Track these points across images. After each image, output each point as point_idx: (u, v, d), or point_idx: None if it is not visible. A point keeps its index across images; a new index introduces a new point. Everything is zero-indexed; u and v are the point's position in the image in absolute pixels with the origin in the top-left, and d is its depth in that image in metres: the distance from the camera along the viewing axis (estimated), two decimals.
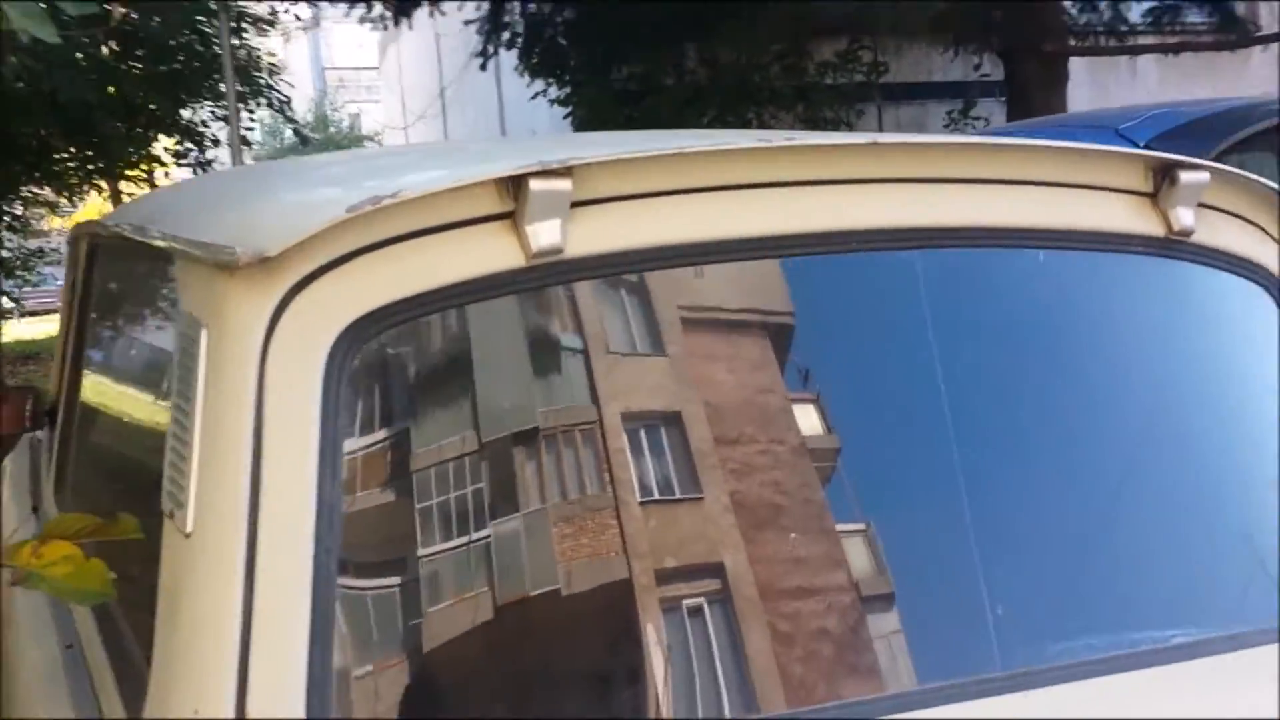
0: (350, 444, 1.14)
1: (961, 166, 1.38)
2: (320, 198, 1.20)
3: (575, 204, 1.20)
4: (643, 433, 1.22)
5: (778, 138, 1.28)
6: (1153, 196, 1.46)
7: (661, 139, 1.28)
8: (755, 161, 1.27)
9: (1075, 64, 8.20)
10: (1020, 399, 1.41)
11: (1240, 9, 9.42)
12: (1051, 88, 7.71)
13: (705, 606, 1.17)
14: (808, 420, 1.29)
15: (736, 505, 1.20)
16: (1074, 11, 8.76)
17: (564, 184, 1.17)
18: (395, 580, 1.16)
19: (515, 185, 1.18)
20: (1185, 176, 1.42)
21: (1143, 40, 9.06)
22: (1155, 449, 1.46)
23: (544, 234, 1.18)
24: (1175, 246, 1.47)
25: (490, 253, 1.19)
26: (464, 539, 1.16)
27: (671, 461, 1.21)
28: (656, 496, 1.20)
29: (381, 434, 1.18)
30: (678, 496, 1.21)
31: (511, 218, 1.19)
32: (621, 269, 1.24)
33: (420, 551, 1.15)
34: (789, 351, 1.32)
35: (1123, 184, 1.44)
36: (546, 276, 1.21)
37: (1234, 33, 8.69)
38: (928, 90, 10.19)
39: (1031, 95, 7.60)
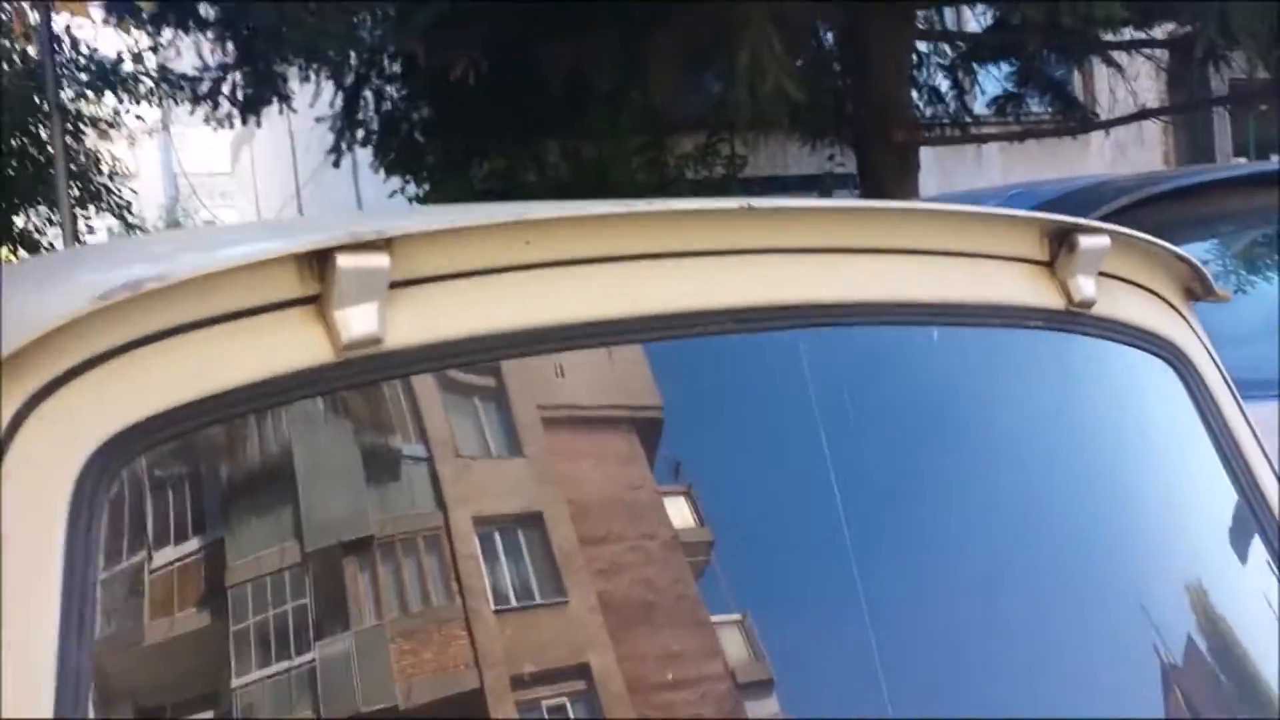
0: (122, 581, 0.92)
1: (844, 234, 1.22)
2: (82, 284, 0.97)
3: (395, 284, 1.00)
4: (498, 537, 1.07)
5: (637, 204, 1.10)
6: (1049, 265, 1.33)
7: (503, 209, 1.09)
8: (610, 231, 1.09)
9: (923, 153, 8.41)
10: (915, 485, 1.28)
11: (1079, 96, 9.89)
12: (903, 176, 7.87)
13: (568, 706, 1.03)
14: (681, 515, 1.15)
15: (605, 606, 1.07)
16: (921, 104, 9.04)
17: (379, 260, 0.97)
18: None
19: (320, 263, 0.98)
20: (1085, 242, 1.30)
21: (988, 129, 9.40)
22: (1058, 536, 1.34)
23: (357, 321, 0.98)
24: (1076, 320, 1.35)
25: (292, 345, 0.97)
26: (280, 667, 0.97)
27: (531, 565, 1.07)
28: (514, 604, 1.05)
29: (158, 567, 0.94)
30: (539, 601, 1.06)
31: (317, 302, 0.98)
32: (454, 361, 1.04)
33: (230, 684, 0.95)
34: (659, 445, 1.17)
35: (1017, 251, 1.31)
36: (362, 372, 0.99)
37: (1075, 119, 9.07)
38: (785, 183, 10.36)
39: (884, 184, 7.73)
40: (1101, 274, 1.34)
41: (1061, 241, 1.31)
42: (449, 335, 1.02)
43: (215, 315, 0.95)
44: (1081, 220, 1.31)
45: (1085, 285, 1.32)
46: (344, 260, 0.95)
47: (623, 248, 1.09)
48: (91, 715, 0.87)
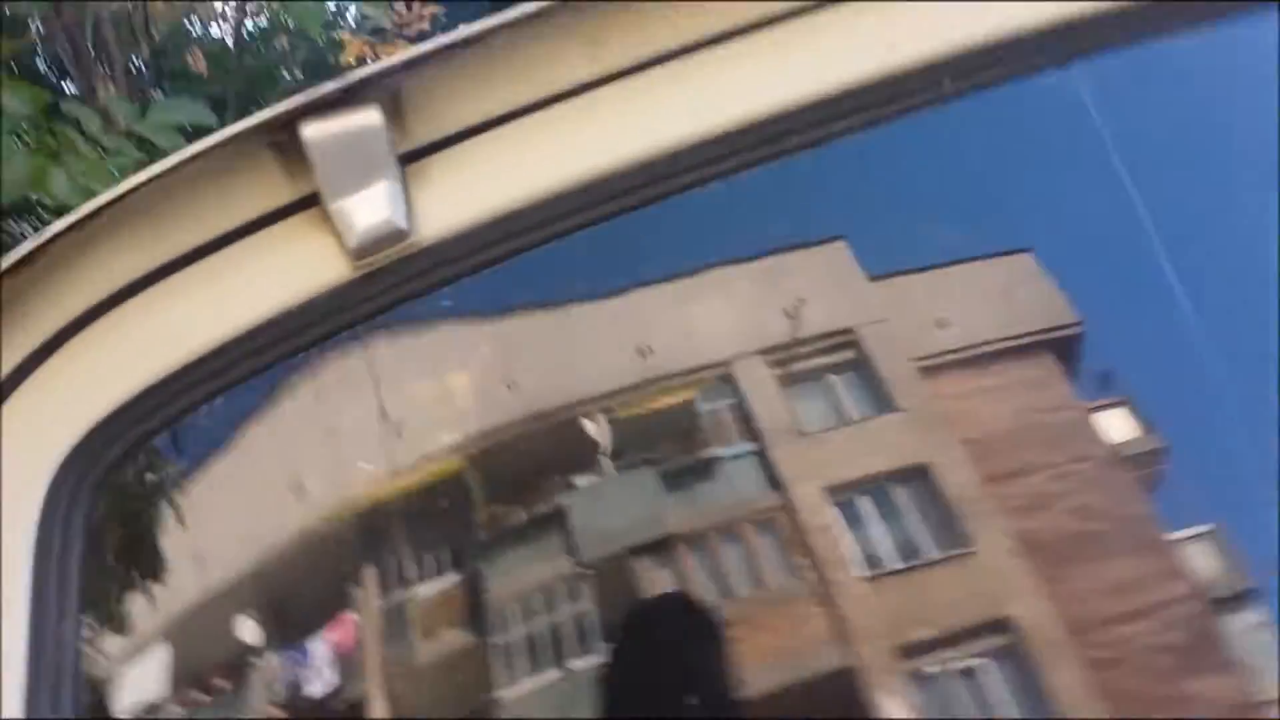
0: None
1: None
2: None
3: (413, 154, 0.65)
4: (865, 501, 0.80)
5: None
6: None
7: None
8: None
9: None
10: None
11: None
12: None
13: (991, 667, 0.75)
14: (1116, 425, 0.80)
15: (1026, 548, 0.78)
16: None
17: (367, 117, 0.62)
18: None
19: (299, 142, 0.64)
20: None
21: None
22: None
23: (362, 212, 0.64)
24: None
25: (299, 264, 0.65)
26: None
27: (920, 521, 0.79)
28: (899, 565, 0.79)
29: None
30: (933, 558, 0.79)
31: (319, 203, 0.66)
32: (521, 241, 0.67)
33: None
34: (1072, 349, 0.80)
35: None
36: (392, 286, 0.65)
37: None
38: None
39: None
40: None
41: None
42: (507, 205, 0.66)
43: (187, 251, 0.65)
44: None
45: None
46: (311, 130, 0.62)
47: (723, 22, 0.67)
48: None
